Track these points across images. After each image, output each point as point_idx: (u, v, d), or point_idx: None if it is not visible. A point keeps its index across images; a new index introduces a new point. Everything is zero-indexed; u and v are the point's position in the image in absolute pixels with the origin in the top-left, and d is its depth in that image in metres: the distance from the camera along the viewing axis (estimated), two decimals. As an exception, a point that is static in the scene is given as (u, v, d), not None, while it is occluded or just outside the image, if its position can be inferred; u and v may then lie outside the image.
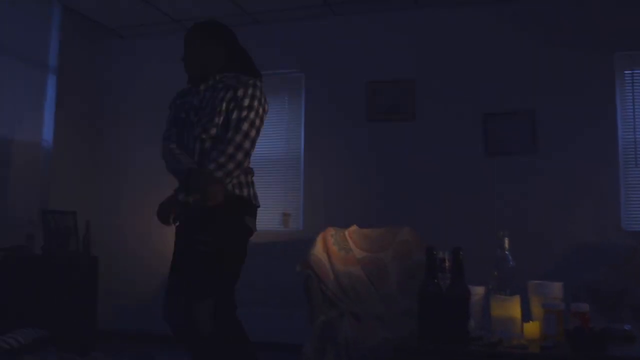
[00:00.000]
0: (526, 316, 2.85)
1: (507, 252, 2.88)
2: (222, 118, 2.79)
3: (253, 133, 2.77)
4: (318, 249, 4.05)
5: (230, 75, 2.92)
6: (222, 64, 2.95)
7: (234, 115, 2.77)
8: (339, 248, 4.10)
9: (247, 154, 2.75)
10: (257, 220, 2.92)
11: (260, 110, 2.83)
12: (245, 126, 2.75)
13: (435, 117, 5.07)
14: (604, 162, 4.67)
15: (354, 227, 4.32)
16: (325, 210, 5.18)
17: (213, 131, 2.79)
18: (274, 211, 5.37)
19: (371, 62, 5.29)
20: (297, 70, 5.51)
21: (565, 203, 4.68)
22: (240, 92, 2.80)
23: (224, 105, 2.80)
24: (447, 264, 2.77)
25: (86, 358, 3.87)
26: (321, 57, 5.44)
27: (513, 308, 2.79)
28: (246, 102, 2.79)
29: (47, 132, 5.27)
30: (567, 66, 4.80)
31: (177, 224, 2.89)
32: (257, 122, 2.80)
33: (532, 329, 2.73)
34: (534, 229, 4.64)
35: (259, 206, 2.92)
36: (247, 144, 2.74)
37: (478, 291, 2.95)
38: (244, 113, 2.77)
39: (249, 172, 2.89)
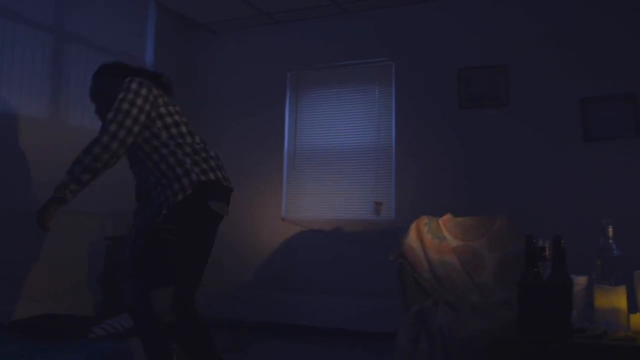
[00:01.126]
0: (632, 307, 2.74)
1: (611, 241, 2.77)
2: None
3: (120, 117, 2.81)
4: (411, 238, 4.02)
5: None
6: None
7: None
8: (432, 236, 4.06)
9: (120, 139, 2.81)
10: (226, 203, 3.01)
11: (130, 97, 2.85)
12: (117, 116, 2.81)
13: (529, 102, 4.91)
14: None
15: (448, 216, 4.26)
16: (418, 198, 5.12)
17: None
18: (366, 200, 5.38)
19: (462, 48, 5.18)
20: (387, 59, 5.47)
21: (672, 189, 4.44)
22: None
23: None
24: (547, 252, 2.69)
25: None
26: (411, 45, 5.37)
27: (618, 299, 2.69)
28: (116, 103, 2.84)
29: (145, 128, 5.45)
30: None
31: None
32: (130, 108, 2.83)
33: (639, 320, 2.62)
34: None
35: (231, 189, 2.99)
36: (122, 132, 2.80)
37: (580, 281, 2.86)
38: (115, 105, 2.83)
39: (214, 157, 3.05)
